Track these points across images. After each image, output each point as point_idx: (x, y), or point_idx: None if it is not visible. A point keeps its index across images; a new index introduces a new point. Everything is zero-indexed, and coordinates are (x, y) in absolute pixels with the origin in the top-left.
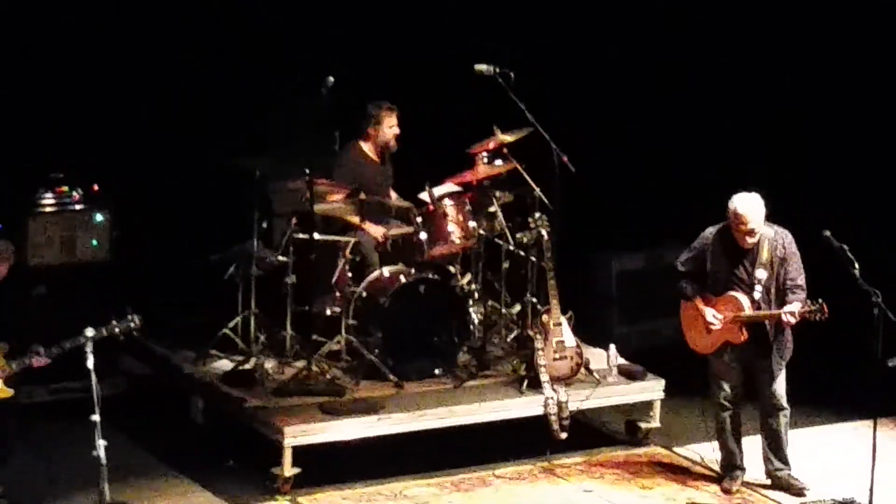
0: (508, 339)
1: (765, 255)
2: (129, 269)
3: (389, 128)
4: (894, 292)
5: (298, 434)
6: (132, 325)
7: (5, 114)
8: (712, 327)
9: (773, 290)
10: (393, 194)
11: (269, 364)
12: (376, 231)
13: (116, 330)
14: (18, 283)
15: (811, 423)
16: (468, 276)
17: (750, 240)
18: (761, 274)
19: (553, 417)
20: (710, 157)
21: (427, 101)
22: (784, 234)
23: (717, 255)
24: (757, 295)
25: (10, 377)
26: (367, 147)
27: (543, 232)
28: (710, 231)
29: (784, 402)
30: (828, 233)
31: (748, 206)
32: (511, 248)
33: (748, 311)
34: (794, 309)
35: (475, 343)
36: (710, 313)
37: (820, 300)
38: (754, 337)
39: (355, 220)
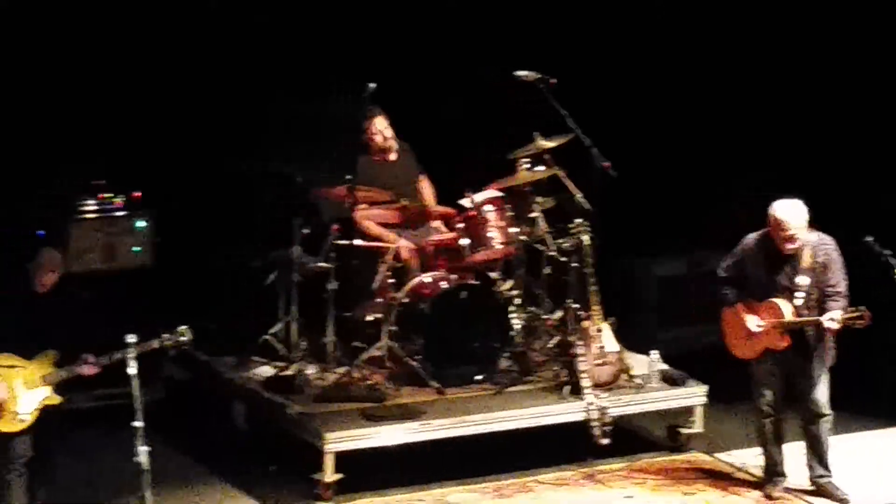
0: (549, 345)
1: (807, 261)
2: (171, 276)
3: (376, 133)
4: None
5: (340, 440)
6: (183, 339)
7: (48, 121)
8: (754, 334)
9: (814, 297)
10: (424, 185)
11: (311, 370)
12: (405, 248)
13: (168, 343)
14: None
15: (854, 428)
16: (509, 282)
17: (790, 246)
18: (803, 280)
19: (594, 423)
20: (751, 162)
21: (468, 108)
22: (827, 240)
23: (758, 262)
24: (798, 301)
25: (58, 384)
26: (372, 155)
27: (584, 238)
28: (752, 237)
29: (826, 408)
30: (870, 238)
31: (789, 212)
32: (552, 253)
33: (789, 317)
34: (836, 315)
35: (516, 349)
36: (751, 321)
37: (862, 307)
38: (796, 343)
39: (391, 237)
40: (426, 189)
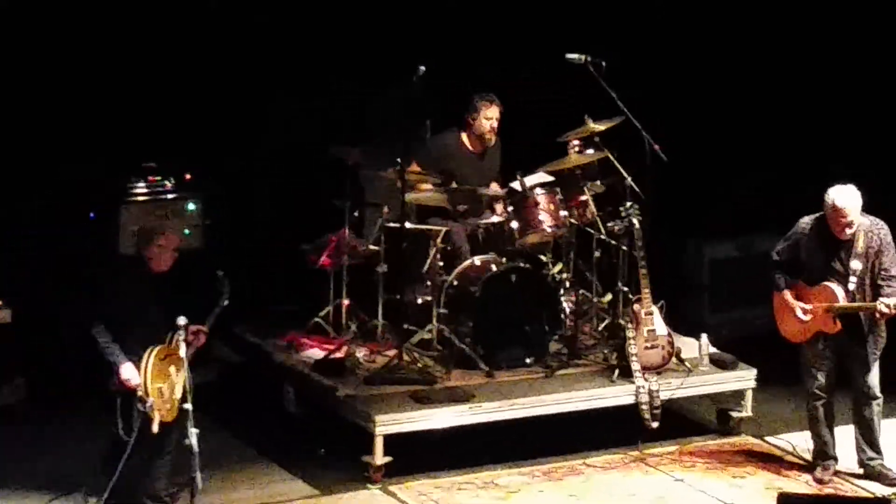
0: (600, 328)
1: (860, 245)
2: (222, 258)
3: (486, 119)
4: None
5: (390, 422)
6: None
7: (100, 103)
8: (802, 318)
9: (867, 281)
10: (494, 186)
11: (361, 353)
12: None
13: (227, 296)
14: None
15: None
16: (559, 265)
17: (848, 231)
18: (857, 265)
19: (644, 406)
20: (802, 145)
21: (519, 91)
22: (880, 224)
23: (812, 246)
24: (851, 286)
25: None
26: (465, 137)
27: (635, 221)
28: (806, 221)
29: (878, 391)
30: None
31: (847, 198)
32: (602, 236)
33: (842, 301)
34: (891, 301)
35: (566, 332)
36: (798, 308)
37: None
38: (848, 327)
39: (441, 221)
40: (495, 186)
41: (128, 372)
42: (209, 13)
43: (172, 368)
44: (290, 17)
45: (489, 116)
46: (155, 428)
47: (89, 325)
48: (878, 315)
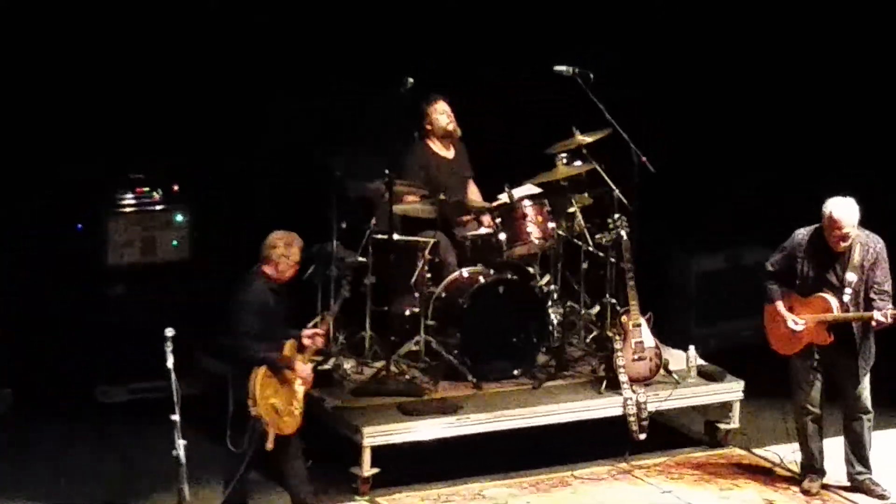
0: (587, 340)
1: (857, 258)
2: (209, 270)
3: (440, 115)
4: None
5: (377, 434)
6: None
7: (87, 114)
8: (794, 329)
9: (861, 294)
10: (472, 188)
11: (348, 364)
12: (443, 242)
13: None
14: (97, 283)
15: (892, 424)
16: (547, 277)
17: (843, 244)
18: (852, 277)
19: (632, 418)
20: (790, 158)
21: (506, 103)
22: (876, 239)
23: (808, 258)
24: (846, 297)
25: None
26: (432, 143)
27: (623, 233)
28: (802, 233)
29: (868, 405)
30: None
31: (844, 210)
32: (590, 248)
33: (837, 312)
34: (888, 311)
35: (554, 344)
36: (790, 319)
37: None
38: (840, 339)
39: (429, 233)
40: (474, 191)
41: (304, 369)
42: (195, 22)
43: (286, 380)
44: (279, 26)
45: (441, 111)
46: (269, 445)
47: (234, 340)
48: (874, 323)
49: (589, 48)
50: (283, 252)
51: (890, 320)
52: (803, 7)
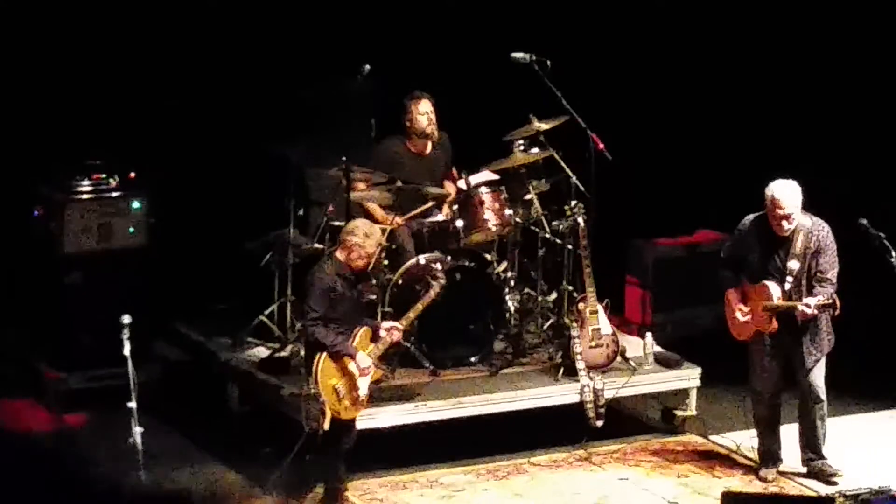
0: (544, 327)
1: (799, 246)
2: (166, 257)
3: (420, 115)
4: None
5: None
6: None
7: (43, 102)
8: (739, 318)
9: (804, 282)
10: (449, 184)
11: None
12: (399, 229)
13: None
14: (52, 270)
15: (849, 411)
16: (504, 264)
17: (786, 225)
18: (794, 264)
19: (589, 405)
20: (747, 144)
21: (463, 90)
22: (821, 225)
23: (753, 244)
24: (788, 285)
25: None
26: (407, 141)
27: (580, 220)
28: (749, 219)
29: (821, 393)
30: (864, 221)
31: (784, 191)
32: (547, 235)
33: (776, 300)
34: (811, 301)
35: (511, 331)
36: (738, 309)
37: (834, 295)
38: (786, 327)
39: (386, 219)
40: (449, 185)
41: (364, 360)
42: (153, 10)
43: (353, 366)
44: (237, 16)
45: (422, 111)
46: (326, 425)
47: (303, 321)
48: (797, 314)
49: (546, 34)
50: (360, 241)
51: (814, 311)
52: None
